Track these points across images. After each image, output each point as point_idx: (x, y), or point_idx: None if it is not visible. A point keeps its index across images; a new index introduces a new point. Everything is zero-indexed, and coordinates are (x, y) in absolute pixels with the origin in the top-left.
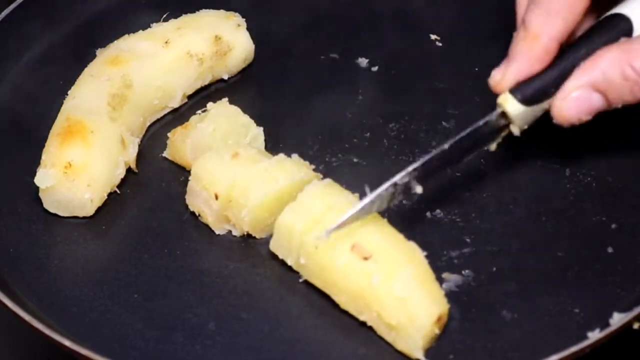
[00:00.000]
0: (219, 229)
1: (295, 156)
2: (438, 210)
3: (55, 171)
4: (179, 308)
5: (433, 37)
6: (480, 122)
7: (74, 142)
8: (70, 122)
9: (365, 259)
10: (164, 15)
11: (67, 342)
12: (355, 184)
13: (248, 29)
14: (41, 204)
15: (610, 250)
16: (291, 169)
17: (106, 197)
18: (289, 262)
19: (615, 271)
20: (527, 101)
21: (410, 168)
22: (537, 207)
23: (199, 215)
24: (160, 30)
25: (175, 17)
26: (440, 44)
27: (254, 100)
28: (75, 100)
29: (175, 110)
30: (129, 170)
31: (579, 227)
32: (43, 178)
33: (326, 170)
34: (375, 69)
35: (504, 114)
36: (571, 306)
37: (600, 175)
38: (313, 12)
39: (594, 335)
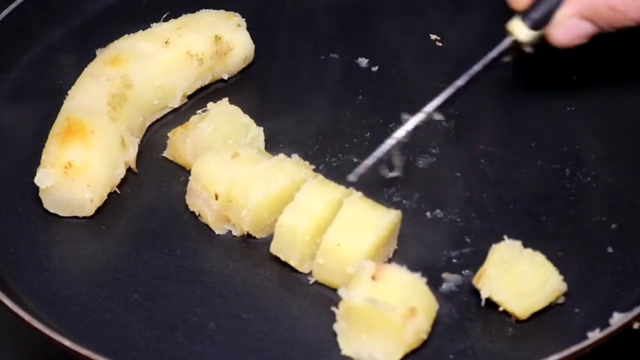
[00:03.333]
0: (219, 229)
1: (295, 156)
2: (438, 210)
3: (55, 171)
4: (179, 308)
5: (433, 37)
6: (494, 54)
7: (74, 142)
8: (70, 122)
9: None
10: (164, 15)
11: (67, 342)
12: (355, 184)
13: (248, 29)
14: (41, 204)
15: (610, 250)
16: (291, 169)
17: (106, 197)
18: (292, 263)
19: (615, 271)
20: (535, 26)
21: (434, 104)
22: (537, 207)
23: (199, 215)
24: (160, 30)
25: (175, 17)
26: (440, 44)
27: (254, 100)
28: (75, 100)
29: (175, 110)
30: (129, 170)
31: (579, 227)
32: (43, 178)
33: (326, 170)
34: (375, 69)
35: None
36: (571, 306)
37: (600, 175)
38: (313, 12)
39: (594, 335)
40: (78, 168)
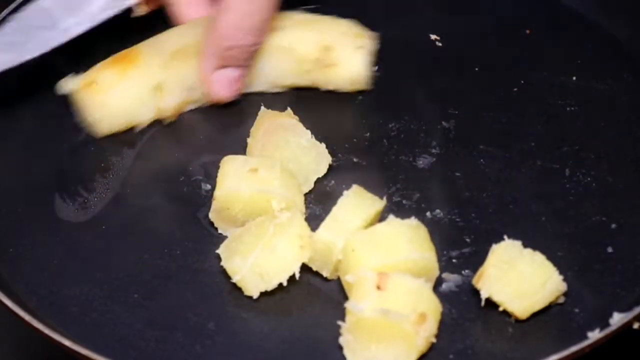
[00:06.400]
0: (220, 229)
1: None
2: (438, 210)
3: (80, 82)
4: (179, 308)
5: (433, 37)
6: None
7: (117, 66)
8: (130, 51)
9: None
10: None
11: (67, 342)
12: (355, 184)
13: None
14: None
15: (610, 250)
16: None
17: (118, 129)
18: (324, 274)
19: (615, 271)
20: None
21: None
22: (537, 207)
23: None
24: (296, 16)
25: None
26: (440, 44)
27: (253, 101)
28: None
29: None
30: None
31: (579, 227)
32: (66, 84)
33: (326, 170)
34: (375, 69)
35: None
36: (571, 306)
37: (600, 175)
38: (313, 12)
39: (594, 335)
40: (102, 88)
